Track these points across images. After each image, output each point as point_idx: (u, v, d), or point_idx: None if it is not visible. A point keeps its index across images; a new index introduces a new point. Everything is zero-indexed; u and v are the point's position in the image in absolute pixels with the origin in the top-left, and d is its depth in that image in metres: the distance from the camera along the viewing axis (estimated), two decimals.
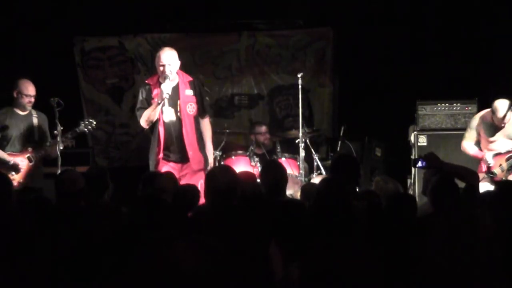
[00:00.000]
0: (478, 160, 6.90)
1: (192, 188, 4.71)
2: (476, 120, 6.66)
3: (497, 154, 6.48)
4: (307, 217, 3.75)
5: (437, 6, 8.08)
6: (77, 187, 4.46)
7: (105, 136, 8.83)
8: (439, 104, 7.28)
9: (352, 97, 8.40)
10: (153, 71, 8.83)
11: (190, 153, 6.18)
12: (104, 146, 8.89)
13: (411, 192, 7.14)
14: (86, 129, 6.65)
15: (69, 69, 8.70)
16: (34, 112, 6.55)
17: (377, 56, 8.14)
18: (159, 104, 6.09)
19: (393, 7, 8.14)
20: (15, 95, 6.47)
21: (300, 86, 7.15)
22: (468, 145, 6.67)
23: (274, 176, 4.71)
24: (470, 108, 7.12)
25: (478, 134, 6.61)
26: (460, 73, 7.80)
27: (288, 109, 8.89)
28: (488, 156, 6.46)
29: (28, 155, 6.41)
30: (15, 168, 6.33)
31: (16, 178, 6.31)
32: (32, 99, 6.47)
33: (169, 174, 5.41)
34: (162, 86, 6.08)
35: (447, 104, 7.26)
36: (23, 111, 6.51)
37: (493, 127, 6.52)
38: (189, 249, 2.15)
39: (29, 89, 6.47)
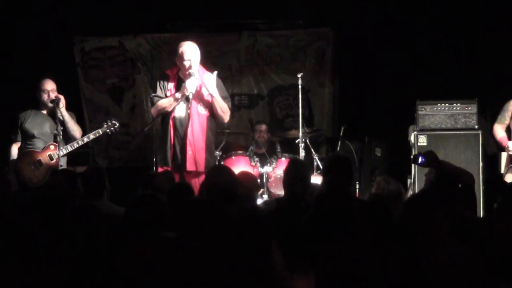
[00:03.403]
0: (477, 160, 6.91)
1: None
2: (510, 101, 6.70)
3: None
4: (308, 217, 3.76)
5: (437, 6, 8.08)
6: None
7: (105, 136, 8.82)
8: (439, 104, 7.27)
9: (352, 97, 8.39)
10: (154, 71, 8.93)
11: (188, 153, 6.05)
12: (104, 146, 8.89)
13: (411, 192, 7.14)
14: (108, 131, 6.65)
15: (69, 69, 8.70)
16: (62, 112, 6.46)
17: (377, 56, 8.13)
18: (177, 99, 6.01)
19: (393, 7, 8.13)
20: (37, 94, 6.52)
21: (300, 86, 7.15)
22: (497, 128, 6.79)
23: (295, 176, 4.70)
24: (470, 108, 7.12)
25: (510, 118, 6.64)
26: (460, 73, 7.80)
27: (288, 109, 8.89)
28: (510, 144, 6.48)
29: (49, 153, 6.40)
30: (40, 163, 6.35)
31: (37, 175, 6.34)
32: (50, 94, 6.45)
33: (166, 174, 5.37)
34: (187, 83, 5.98)
35: (447, 104, 7.25)
36: (46, 109, 6.51)
37: None
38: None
39: (45, 84, 6.50)
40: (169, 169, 6.02)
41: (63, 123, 6.41)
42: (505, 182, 5.84)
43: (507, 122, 6.71)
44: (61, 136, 6.30)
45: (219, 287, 2.75)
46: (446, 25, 8.07)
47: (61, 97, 6.46)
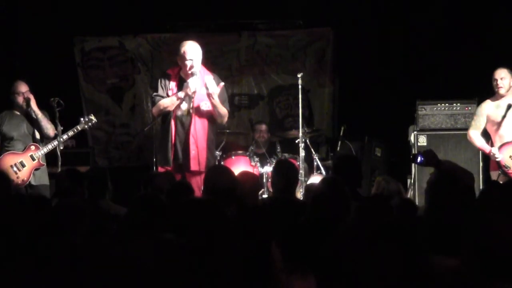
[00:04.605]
0: (477, 160, 6.91)
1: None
2: (482, 105, 6.59)
3: (502, 145, 6.38)
4: (306, 217, 3.76)
5: (437, 6, 8.08)
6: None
7: (105, 136, 8.83)
8: (439, 104, 7.28)
9: (352, 97, 8.39)
10: (154, 71, 8.93)
11: (192, 152, 6.05)
12: (104, 146, 8.89)
13: (411, 192, 7.15)
14: (86, 126, 6.67)
15: (69, 69, 8.70)
16: (35, 111, 6.51)
17: (377, 56, 8.14)
18: (180, 98, 6.01)
19: (393, 7, 8.14)
20: (11, 97, 6.53)
21: (300, 86, 7.14)
22: (475, 134, 6.55)
23: (285, 176, 4.71)
24: (470, 108, 7.13)
25: (486, 121, 6.54)
26: (460, 73, 7.80)
27: (288, 109, 8.89)
28: (494, 151, 6.36)
29: (30, 153, 6.43)
30: (22, 165, 6.39)
31: (20, 176, 6.36)
32: (26, 96, 6.46)
33: (167, 174, 5.37)
34: (190, 82, 5.99)
35: (447, 104, 7.27)
36: (21, 111, 6.53)
37: (500, 107, 6.46)
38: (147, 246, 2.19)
39: (19, 87, 6.50)
40: (169, 168, 6.02)
41: (36, 121, 6.44)
42: (498, 182, 5.82)
43: (482, 127, 6.53)
44: (59, 137, 6.33)
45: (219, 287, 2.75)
46: (446, 25, 8.07)
47: (31, 96, 6.47)
